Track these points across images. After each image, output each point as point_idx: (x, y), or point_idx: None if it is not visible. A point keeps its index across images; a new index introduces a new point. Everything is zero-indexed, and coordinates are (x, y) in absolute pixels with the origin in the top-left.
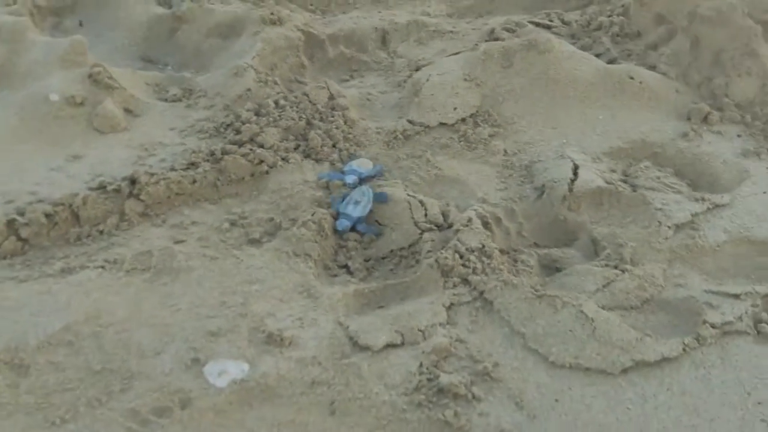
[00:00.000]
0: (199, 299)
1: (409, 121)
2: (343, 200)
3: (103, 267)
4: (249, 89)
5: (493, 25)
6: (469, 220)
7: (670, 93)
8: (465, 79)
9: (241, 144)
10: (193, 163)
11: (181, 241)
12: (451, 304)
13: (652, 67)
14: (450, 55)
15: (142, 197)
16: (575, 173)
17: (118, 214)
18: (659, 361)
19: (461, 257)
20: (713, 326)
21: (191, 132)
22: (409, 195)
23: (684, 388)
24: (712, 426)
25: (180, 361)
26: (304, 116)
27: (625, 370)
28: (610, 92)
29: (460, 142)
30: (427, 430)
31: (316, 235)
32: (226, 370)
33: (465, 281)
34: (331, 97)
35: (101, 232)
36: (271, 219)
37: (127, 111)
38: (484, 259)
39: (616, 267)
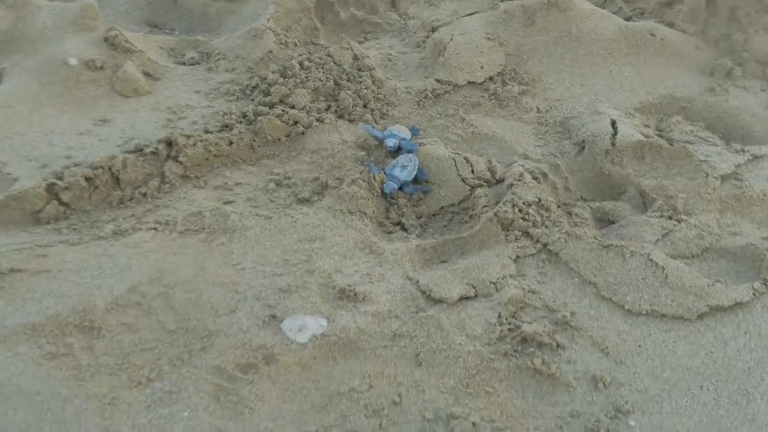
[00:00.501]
0: (262, 257)
1: (438, 80)
2: (390, 165)
3: (155, 228)
4: (271, 51)
5: None
6: (521, 174)
7: (691, 49)
8: (488, 38)
9: (271, 105)
10: (226, 125)
11: (230, 202)
12: (517, 256)
13: (670, 24)
14: (465, 16)
15: (180, 159)
16: (614, 127)
17: (158, 176)
18: (732, 306)
19: (520, 211)
20: None
21: (217, 95)
22: (453, 152)
23: (760, 330)
24: None
25: (256, 318)
26: (331, 77)
27: (701, 316)
28: (633, 49)
29: (491, 100)
30: (516, 378)
31: (368, 192)
32: (305, 326)
33: (526, 234)
34: (356, 58)
35: (144, 195)
36: (317, 178)
37: (147, 74)
38: (542, 212)
39: (670, 218)
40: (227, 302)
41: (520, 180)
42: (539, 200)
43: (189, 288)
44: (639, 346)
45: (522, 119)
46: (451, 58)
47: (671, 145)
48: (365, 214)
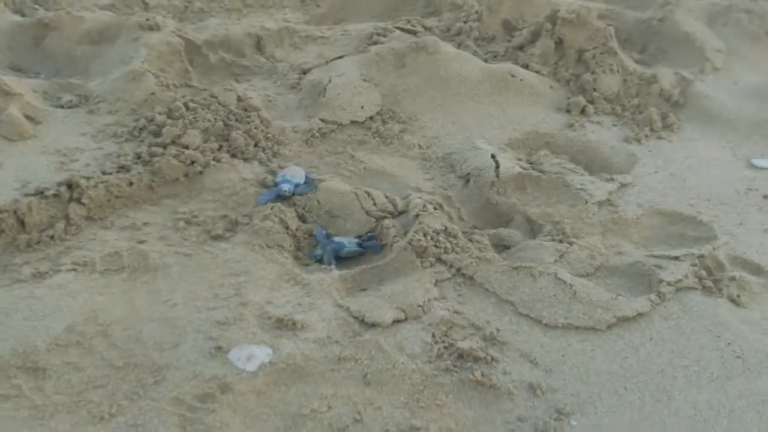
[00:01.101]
0: (191, 293)
1: (322, 120)
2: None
3: (75, 270)
4: (153, 93)
5: (365, 31)
6: (425, 205)
7: (546, 89)
8: (364, 80)
9: (164, 146)
10: (122, 167)
11: (143, 241)
12: (436, 281)
13: (525, 66)
14: (335, 59)
15: (83, 201)
16: (495, 161)
17: (63, 218)
18: (636, 317)
19: (431, 239)
20: (669, 284)
21: (104, 137)
22: (354, 187)
23: (663, 336)
24: (700, 364)
25: (202, 351)
26: (219, 117)
27: (610, 326)
28: (495, 89)
29: (375, 138)
30: (461, 391)
31: (282, 227)
32: (253, 355)
33: (439, 260)
34: (239, 99)
35: (52, 237)
36: (224, 216)
37: (28, 118)
38: (450, 239)
39: (561, 241)
40: (169, 337)
41: (425, 210)
42: (446, 228)
43: (126, 326)
44: (562, 355)
45: (406, 155)
46: (332, 99)
47: (547, 176)
48: (283, 247)
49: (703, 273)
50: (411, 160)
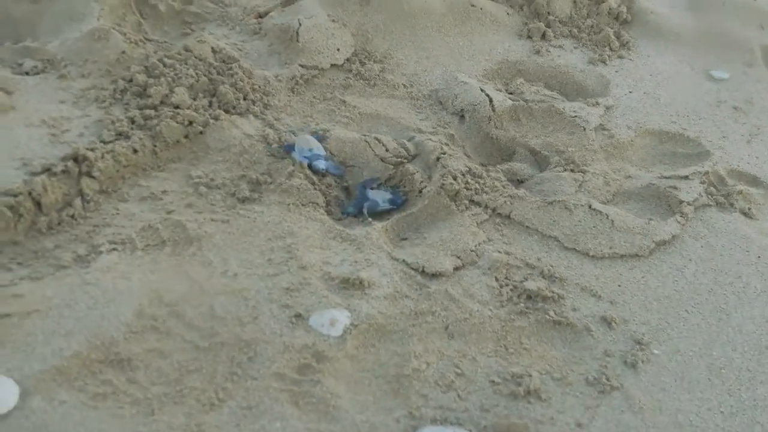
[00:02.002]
0: (245, 261)
1: (302, 66)
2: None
3: (116, 249)
4: (123, 51)
5: None
6: (443, 147)
7: (504, 15)
8: (333, 21)
9: (155, 108)
10: (121, 133)
11: (171, 211)
12: (476, 223)
13: None
14: (288, 0)
15: (94, 174)
16: (487, 94)
17: (77, 195)
18: (671, 240)
19: (461, 181)
20: (689, 204)
21: (86, 102)
22: (362, 134)
23: (700, 256)
24: (742, 280)
25: (282, 321)
26: (200, 72)
27: (651, 251)
28: (459, 20)
29: (358, 80)
30: (542, 332)
31: (309, 183)
32: (335, 319)
33: (472, 202)
34: (215, 51)
35: (72, 217)
36: (243, 176)
37: (1, 89)
38: (477, 179)
39: (573, 170)
40: (243, 310)
41: (444, 153)
42: (470, 169)
43: (195, 303)
44: (618, 285)
45: (394, 96)
46: (307, 43)
47: (537, 105)
48: (317, 204)
49: (713, 189)
50: (400, 101)
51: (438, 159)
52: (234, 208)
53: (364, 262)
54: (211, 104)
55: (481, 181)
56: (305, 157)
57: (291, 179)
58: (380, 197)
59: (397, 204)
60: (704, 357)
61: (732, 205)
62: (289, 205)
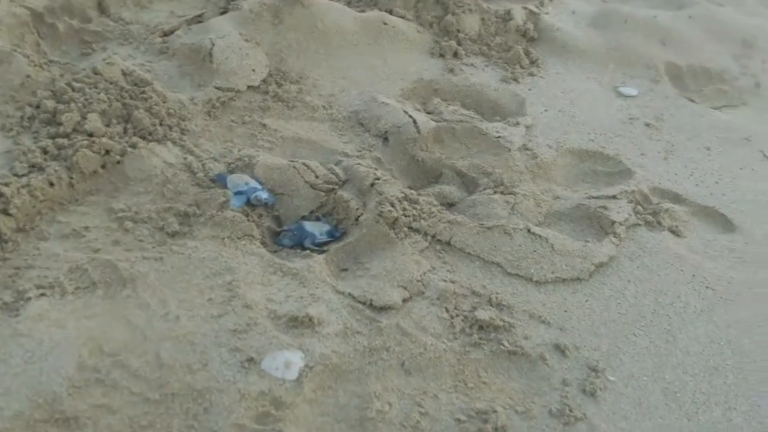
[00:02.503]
0: (186, 302)
1: (218, 88)
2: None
3: (44, 294)
4: (28, 75)
5: None
6: (376, 172)
7: (415, 33)
8: (246, 40)
9: (67, 136)
10: (34, 165)
11: (98, 250)
12: (418, 251)
13: (390, 12)
14: (194, 17)
15: (11, 212)
16: (410, 116)
17: None
18: (608, 261)
19: (399, 208)
20: (621, 224)
21: None
22: (289, 160)
23: (638, 277)
24: (681, 300)
25: (235, 366)
26: (112, 97)
27: (591, 274)
28: (372, 38)
29: (276, 102)
30: (497, 364)
31: (243, 215)
32: (289, 361)
33: (411, 228)
34: (125, 73)
35: None
36: (170, 208)
37: None
38: (414, 205)
39: (502, 192)
40: (191, 356)
41: (379, 179)
42: (405, 195)
43: (139, 351)
44: (565, 311)
45: (314, 118)
46: (222, 64)
47: (459, 126)
48: (252, 236)
49: (640, 208)
50: (321, 123)
51: (372, 185)
52: (165, 244)
53: (310, 298)
54: (126, 131)
55: (418, 207)
56: (241, 192)
57: (222, 211)
58: (317, 229)
59: (335, 237)
60: (658, 381)
61: (660, 223)
62: (223, 239)
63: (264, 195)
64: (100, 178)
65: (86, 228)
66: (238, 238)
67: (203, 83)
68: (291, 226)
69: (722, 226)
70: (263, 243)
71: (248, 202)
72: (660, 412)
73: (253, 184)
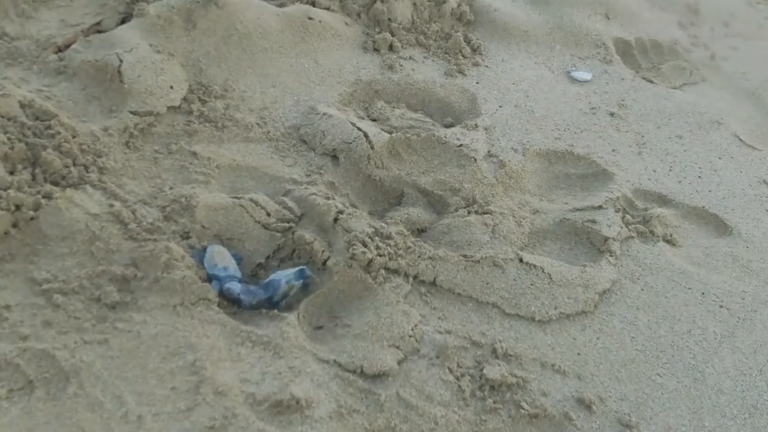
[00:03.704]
0: (145, 395)
1: (133, 113)
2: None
3: None
4: None
5: None
6: (336, 203)
7: (343, 26)
8: (157, 52)
9: None
10: None
11: (26, 336)
12: (402, 298)
13: (312, 3)
14: (92, 26)
15: None
16: (360, 129)
17: None
18: (611, 287)
19: (373, 247)
20: (614, 240)
21: None
22: (234, 197)
23: (646, 302)
24: (698, 325)
25: None
26: (13, 137)
27: (596, 305)
28: (298, 37)
29: (203, 123)
30: (517, 429)
31: (194, 274)
32: None
33: (388, 269)
34: (24, 105)
35: None
36: (104, 271)
37: None
38: (386, 240)
39: (477, 212)
40: None
41: (342, 212)
42: (376, 229)
43: None
44: (578, 354)
45: (249, 139)
46: (134, 84)
47: (413, 135)
48: (209, 300)
49: (629, 218)
50: (258, 144)
51: (336, 220)
52: (106, 320)
53: (290, 372)
54: (35, 178)
55: (392, 243)
56: (217, 277)
57: (169, 272)
58: (284, 277)
59: (305, 277)
60: (698, 431)
61: (653, 233)
62: (175, 306)
63: (237, 288)
64: (12, 240)
65: (7, 307)
66: (192, 304)
67: (115, 108)
68: (255, 286)
69: (716, 229)
70: (221, 304)
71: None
72: None
73: (232, 269)
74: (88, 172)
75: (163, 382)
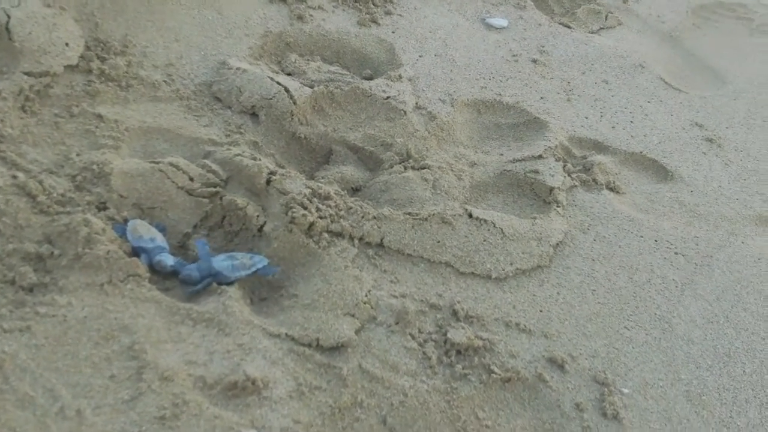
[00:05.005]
0: (82, 387)
1: (27, 74)
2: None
3: None
4: None
5: None
6: (268, 167)
7: None
8: (48, 6)
9: None
10: None
11: None
12: (349, 262)
13: None
14: None
15: None
16: (279, 83)
17: None
18: (563, 239)
19: (313, 209)
20: (560, 189)
21: None
22: (151, 162)
23: (600, 253)
24: (656, 274)
25: None
26: None
27: (551, 258)
28: None
29: (105, 83)
30: (493, 398)
31: (119, 248)
32: None
33: (330, 233)
34: None
35: None
36: (15, 250)
37: None
38: (326, 201)
39: (414, 167)
40: None
41: (275, 173)
42: (313, 190)
43: None
44: (540, 311)
45: (158, 98)
46: (25, 42)
47: (336, 88)
48: (140, 276)
49: (570, 166)
50: (168, 104)
51: (269, 182)
52: (25, 305)
53: (240, 350)
54: None
55: (332, 204)
56: (144, 250)
57: (91, 247)
58: (227, 263)
59: (261, 274)
60: (676, 384)
61: (595, 181)
62: (102, 285)
63: (170, 260)
64: None
65: None
66: (121, 282)
67: (6, 69)
68: (191, 266)
69: (657, 174)
70: (152, 280)
71: (150, 265)
72: (693, 424)
73: (160, 239)
74: None
75: (99, 371)
